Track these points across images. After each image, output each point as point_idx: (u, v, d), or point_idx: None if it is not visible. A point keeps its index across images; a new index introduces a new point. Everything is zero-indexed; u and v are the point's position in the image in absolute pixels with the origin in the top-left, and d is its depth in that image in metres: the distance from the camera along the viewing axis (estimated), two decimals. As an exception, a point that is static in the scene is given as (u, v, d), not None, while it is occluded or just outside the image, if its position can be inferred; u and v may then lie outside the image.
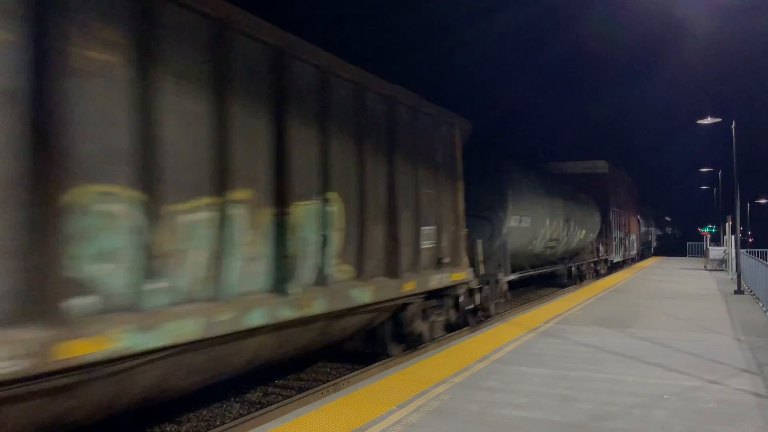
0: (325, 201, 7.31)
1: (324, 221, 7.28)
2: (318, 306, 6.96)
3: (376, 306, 8.49)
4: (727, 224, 28.81)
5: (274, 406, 7.24)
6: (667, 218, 71.55)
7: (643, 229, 43.74)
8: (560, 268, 21.68)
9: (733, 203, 20.37)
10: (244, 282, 6.01)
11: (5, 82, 4.04)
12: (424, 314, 10.31)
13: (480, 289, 12.42)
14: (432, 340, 10.58)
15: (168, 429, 6.99)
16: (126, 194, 4.82)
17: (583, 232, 23.19)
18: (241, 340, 6.15)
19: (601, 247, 26.93)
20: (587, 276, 24.65)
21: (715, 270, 29.73)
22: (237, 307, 5.78)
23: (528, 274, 17.83)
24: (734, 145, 19.88)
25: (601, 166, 28.30)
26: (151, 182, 4.98)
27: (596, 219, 25.60)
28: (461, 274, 11.14)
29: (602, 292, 18.02)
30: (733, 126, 20.03)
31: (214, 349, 5.89)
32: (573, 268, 23.06)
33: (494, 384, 7.03)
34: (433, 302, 10.62)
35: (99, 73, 4.66)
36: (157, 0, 5.15)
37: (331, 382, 8.40)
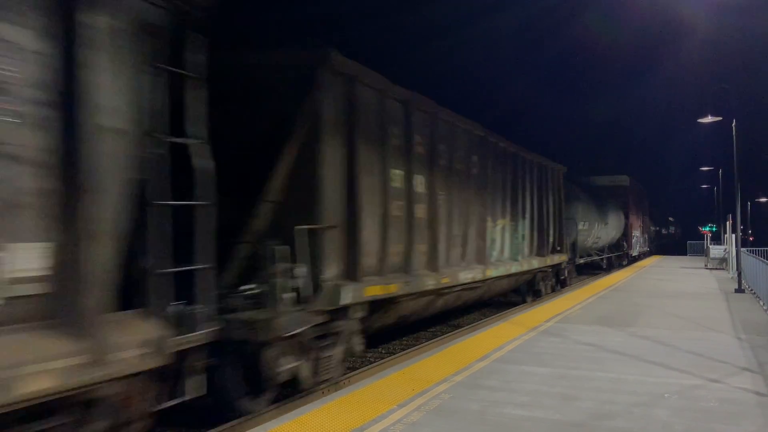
0: (524, 218, 15.82)
1: (523, 227, 15.78)
2: (525, 266, 15.52)
3: (534, 270, 16.87)
4: (727, 223, 28.79)
5: (275, 405, 7.24)
6: (671, 218, 78.14)
7: (652, 228, 52.38)
8: (596, 258, 29.01)
9: (733, 202, 20.36)
10: (507, 254, 14.61)
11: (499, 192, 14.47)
12: (543, 279, 17.95)
13: (566, 268, 20.79)
14: (546, 294, 17.82)
15: (167, 429, 6.97)
16: (491, 218, 13.67)
17: (614, 231, 31.43)
18: (501, 279, 14.16)
19: (624, 244, 34.98)
20: (615, 265, 32.29)
21: (716, 269, 29.71)
22: (509, 264, 14.37)
23: (585, 260, 26.20)
24: (735, 144, 19.87)
25: (624, 180, 35.89)
26: (493, 214, 13.76)
27: (622, 222, 33.42)
28: (564, 257, 19.86)
29: (603, 291, 18.02)
30: (733, 125, 20.01)
31: (496, 282, 13.96)
32: (605, 259, 30.71)
33: (495, 383, 7.03)
34: (547, 273, 18.33)
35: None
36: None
37: (331, 381, 8.40)
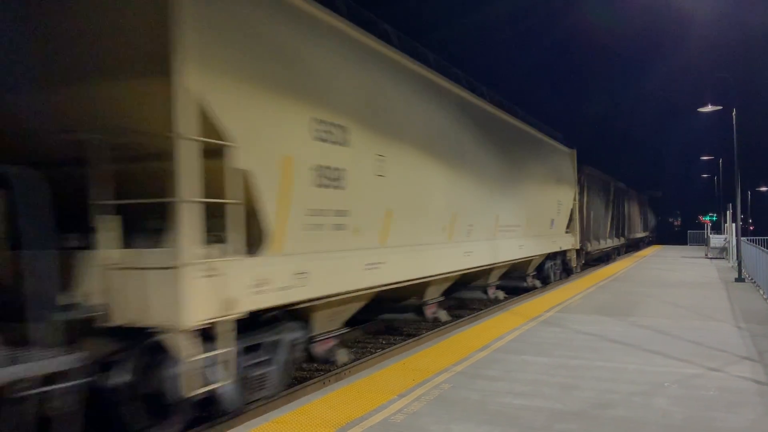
0: (643, 217, 46.92)
1: (644, 220, 47.85)
2: (641, 235, 46.14)
3: (642, 237, 46.57)
4: (727, 212, 28.78)
5: (277, 395, 7.26)
6: (677, 211, 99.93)
7: (668, 220, 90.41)
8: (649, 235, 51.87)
9: (733, 191, 20.34)
10: (638, 229, 44.33)
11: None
12: (643, 240, 46.76)
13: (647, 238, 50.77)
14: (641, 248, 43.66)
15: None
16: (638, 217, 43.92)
17: (655, 222, 59.30)
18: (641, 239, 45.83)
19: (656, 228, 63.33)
20: (655, 240, 55.81)
21: (716, 258, 29.74)
22: (641, 233, 45.66)
23: (647, 235, 50.64)
24: (735, 133, 19.83)
25: (659, 193, 60.73)
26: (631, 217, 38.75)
27: (657, 217, 60.07)
28: (648, 233, 50.62)
29: (603, 281, 18.04)
30: (734, 114, 19.96)
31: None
32: (651, 237, 53.61)
33: (495, 373, 7.05)
34: (643, 238, 47.37)
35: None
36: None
37: (332, 372, 8.43)
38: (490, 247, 12.76)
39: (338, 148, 7.28)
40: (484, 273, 13.25)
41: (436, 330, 11.51)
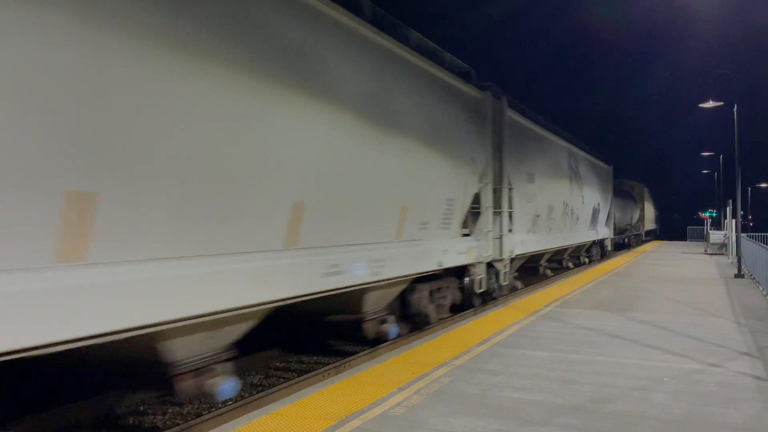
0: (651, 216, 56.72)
1: (653, 216, 56.63)
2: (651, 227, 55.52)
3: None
4: (727, 208, 28.79)
5: (276, 387, 7.28)
6: (677, 207, 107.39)
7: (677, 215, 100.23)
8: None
9: (733, 187, 20.34)
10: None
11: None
12: (644, 236, 48.46)
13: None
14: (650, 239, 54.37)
15: (170, 410, 7.03)
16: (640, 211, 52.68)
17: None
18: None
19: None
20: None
21: (716, 254, 29.75)
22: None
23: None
24: (736, 129, 19.81)
25: (672, 198, 78.57)
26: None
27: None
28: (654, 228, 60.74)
29: (602, 276, 18.05)
30: (735, 110, 19.93)
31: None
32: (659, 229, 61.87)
33: (495, 367, 7.05)
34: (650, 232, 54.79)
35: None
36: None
37: (332, 365, 8.44)
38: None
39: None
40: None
41: (435, 324, 11.51)
